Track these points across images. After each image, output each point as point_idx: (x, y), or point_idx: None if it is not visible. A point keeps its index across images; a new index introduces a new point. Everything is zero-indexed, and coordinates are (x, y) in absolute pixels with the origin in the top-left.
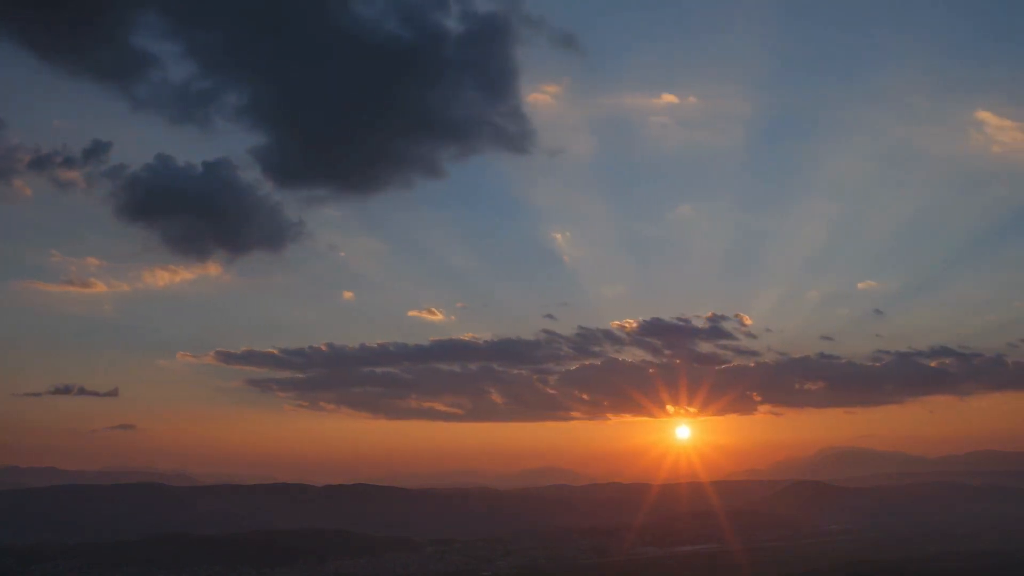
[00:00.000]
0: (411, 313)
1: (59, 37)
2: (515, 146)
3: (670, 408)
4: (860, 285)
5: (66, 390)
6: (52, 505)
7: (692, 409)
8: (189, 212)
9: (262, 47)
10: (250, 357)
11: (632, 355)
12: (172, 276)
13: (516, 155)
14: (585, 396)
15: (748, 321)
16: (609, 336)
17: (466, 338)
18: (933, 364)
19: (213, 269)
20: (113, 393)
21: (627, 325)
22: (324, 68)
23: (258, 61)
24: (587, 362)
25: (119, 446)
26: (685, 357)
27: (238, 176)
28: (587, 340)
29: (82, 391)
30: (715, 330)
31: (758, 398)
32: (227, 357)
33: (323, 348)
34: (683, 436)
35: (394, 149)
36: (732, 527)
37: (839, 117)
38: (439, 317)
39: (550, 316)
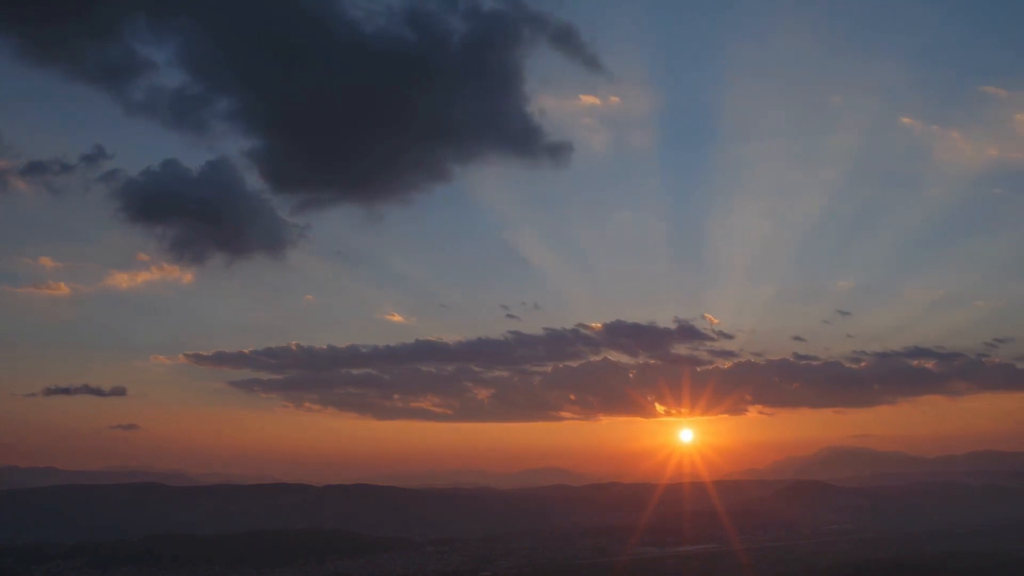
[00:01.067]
0: (375, 316)
1: (52, 39)
2: (512, 150)
3: (660, 408)
4: (814, 284)
5: (65, 391)
6: (52, 505)
7: (683, 410)
8: (170, 216)
9: (257, 50)
10: (222, 358)
11: (610, 357)
12: (132, 279)
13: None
14: (572, 396)
15: (715, 321)
16: (580, 337)
17: (433, 339)
18: (914, 364)
19: (171, 271)
20: (120, 392)
21: (594, 327)
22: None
23: (252, 65)
24: (562, 364)
25: (119, 446)
26: (663, 359)
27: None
28: (560, 341)
29: (85, 389)
30: (686, 331)
31: (749, 398)
32: (199, 359)
33: (293, 348)
34: (677, 436)
35: (369, 154)
36: (732, 527)
37: (762, 117)
38: (400, 319)
39: (513, 316)
